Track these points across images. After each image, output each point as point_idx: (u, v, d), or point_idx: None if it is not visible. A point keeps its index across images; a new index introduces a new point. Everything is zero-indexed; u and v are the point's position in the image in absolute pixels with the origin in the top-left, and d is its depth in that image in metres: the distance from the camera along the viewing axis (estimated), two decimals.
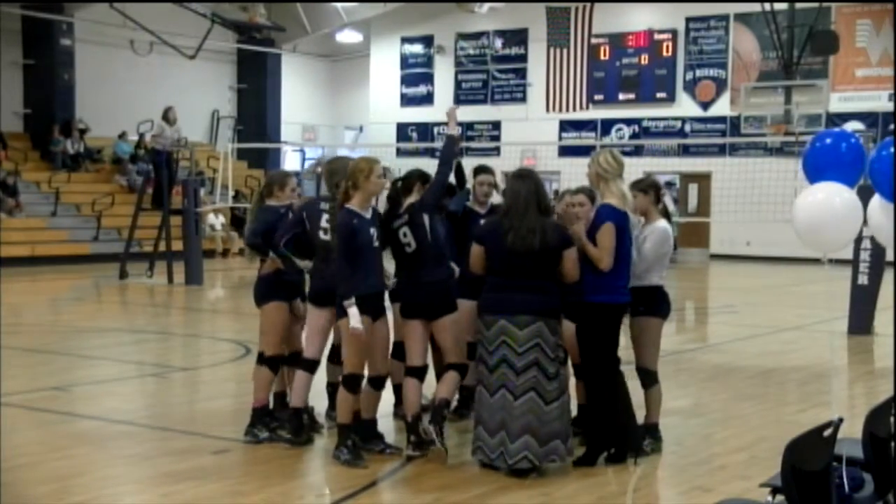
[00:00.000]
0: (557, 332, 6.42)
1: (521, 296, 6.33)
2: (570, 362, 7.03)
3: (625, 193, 6.66)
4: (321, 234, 6.91)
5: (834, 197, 5.74)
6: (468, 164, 8.12)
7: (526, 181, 6.52)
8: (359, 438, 6.74)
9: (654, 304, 6.94)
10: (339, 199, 6.59)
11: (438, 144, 7.87)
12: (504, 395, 6.33)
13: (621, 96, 28.50)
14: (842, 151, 5.95)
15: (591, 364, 6.65)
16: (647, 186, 6.98)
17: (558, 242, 6.40)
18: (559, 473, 6.50)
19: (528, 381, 6.29)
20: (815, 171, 5.92)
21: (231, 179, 22.81)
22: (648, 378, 6.98)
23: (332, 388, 7.46)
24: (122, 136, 27.22)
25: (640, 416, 7.08)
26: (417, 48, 31.84)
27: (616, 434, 6.69)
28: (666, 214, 7.02)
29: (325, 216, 6.90)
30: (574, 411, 7.00)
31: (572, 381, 7.01)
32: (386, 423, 7.30)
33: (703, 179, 26.99)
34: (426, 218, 6.74)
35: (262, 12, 27.81)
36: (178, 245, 19.50)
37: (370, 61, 32.74)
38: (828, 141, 6.12)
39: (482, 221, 7.31)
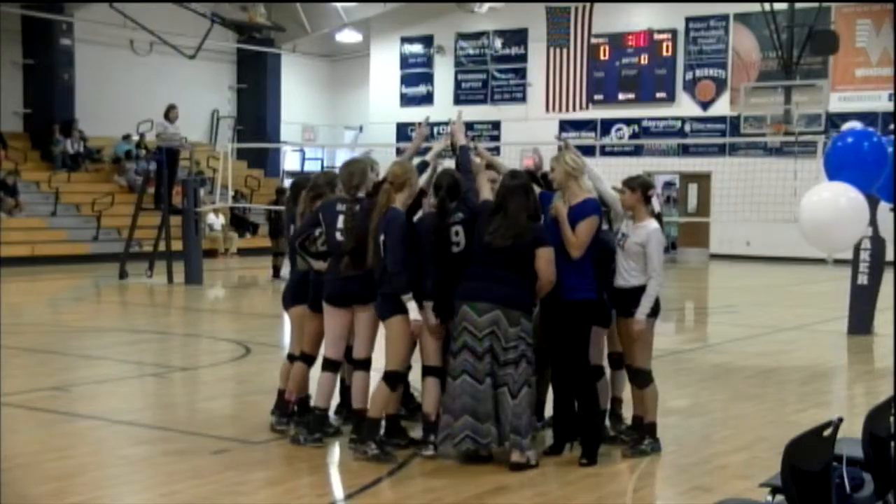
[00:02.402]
0: (520, 324, 6.47)
1: (488, 285, 6.47)
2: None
3: (591, 190, 6.91)
4: (337, 235, 6.86)
5: (840, 197, 5.68)
6: None
7: (518, 184, 6.61)
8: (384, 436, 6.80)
9: None
10: (383, 199, 6.60)
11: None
12: (465, 380, 6.43)
13: (621, 96, 28.48)
14: (864, 151, 5.92)
15: (571, 362, 6.69)
16: (636, 184, 6.93)
17: (531, 241, 6.50)
18: (559, 473, 6.50)
19: (487, 366, 6.43)
20: (836, 170, 5.87)
21: (231, 179, 22.78)
22: (643, 378, 6.97)
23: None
24: (127, 137, 27.19)
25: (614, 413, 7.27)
26: (417, 48, 31.82)
27: (563, 428, 6.82)
28: (656, 216, 6.95)
29: (342, 217, 6.85)
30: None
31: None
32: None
33: (703, 179, 26.99)
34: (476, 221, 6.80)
35: (262, 12, 27.80)
36: (177, 245, 19.48)
37: (370, 61, 32.70)
38: (850, 140, 6.08)
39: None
